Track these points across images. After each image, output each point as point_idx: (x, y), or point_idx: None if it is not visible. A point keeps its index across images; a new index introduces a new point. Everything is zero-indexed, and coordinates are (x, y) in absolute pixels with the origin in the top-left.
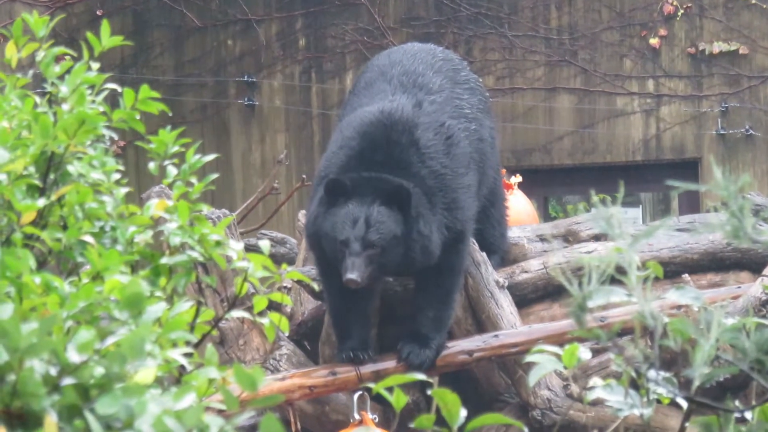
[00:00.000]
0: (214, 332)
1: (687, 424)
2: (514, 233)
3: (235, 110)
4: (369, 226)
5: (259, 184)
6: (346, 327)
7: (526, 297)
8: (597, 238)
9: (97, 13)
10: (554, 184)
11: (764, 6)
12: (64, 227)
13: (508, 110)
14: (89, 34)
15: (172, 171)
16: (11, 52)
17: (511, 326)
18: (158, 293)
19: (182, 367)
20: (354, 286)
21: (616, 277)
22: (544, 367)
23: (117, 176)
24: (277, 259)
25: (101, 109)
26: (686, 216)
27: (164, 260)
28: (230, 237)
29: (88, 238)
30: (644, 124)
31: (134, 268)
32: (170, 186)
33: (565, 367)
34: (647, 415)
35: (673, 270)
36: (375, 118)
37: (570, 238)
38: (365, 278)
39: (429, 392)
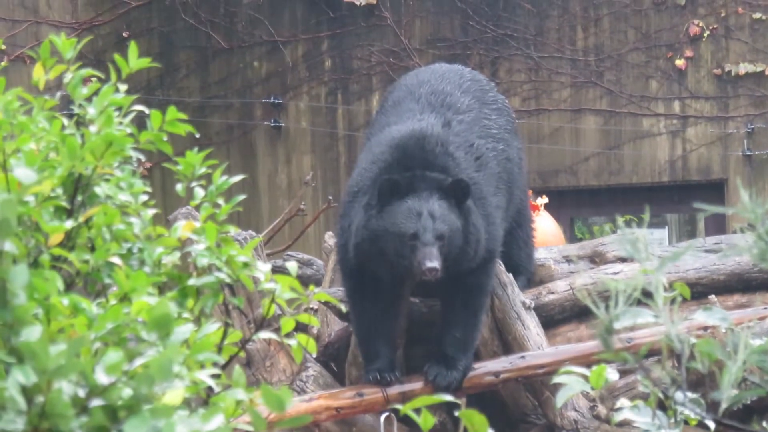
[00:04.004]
0: (242, 354)
1: None
2: (540, 254)
3: (261, 132)
4: (434, 219)
5: (286, 205)
6: (373, 348)
7: (553, 318)
8: (623, 259)
9: (124, 35)
10: (580, 205)
11: None
12: (92, 249)
13: (534, 131)
14: (117, 56)
15: (199, 192)
16: (39, 74)
17: (538, 347)
18: (186, 315)
19: (210, 388)
20: (434, 276)
21: (642, 299)
22: (571, 388)
23: (144, 198)
24: (303, 280)
25: (128, 130)
26: (713, 237)
27: (191, 281)
28: (257, 258)
29: (116, 260)
30: (670, 145)
31: (162, 289)
32: (197, 207)
33: (592, 388)
34: None
35: (699, 291)
36: (406, 133)
37: (596, 259)
38: (442, 269)
39: (456, 413)
